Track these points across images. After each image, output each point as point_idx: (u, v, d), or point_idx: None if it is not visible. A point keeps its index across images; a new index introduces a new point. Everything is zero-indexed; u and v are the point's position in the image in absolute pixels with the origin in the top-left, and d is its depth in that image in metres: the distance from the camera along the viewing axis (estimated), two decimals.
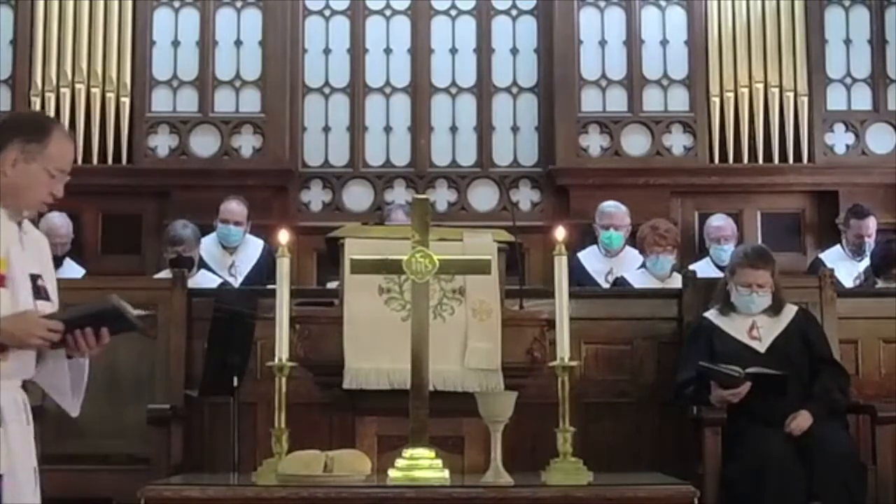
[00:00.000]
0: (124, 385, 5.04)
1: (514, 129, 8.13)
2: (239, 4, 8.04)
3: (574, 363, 3.71)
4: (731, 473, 4.60)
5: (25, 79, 7.82)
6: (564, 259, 3.76)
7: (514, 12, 8.21)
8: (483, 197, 8.06)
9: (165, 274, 5.92)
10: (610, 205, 6.93)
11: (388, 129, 8.11)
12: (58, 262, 5.26)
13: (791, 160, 7.88)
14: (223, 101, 7.97)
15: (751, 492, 4.50)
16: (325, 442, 4.26)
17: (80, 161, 7.73)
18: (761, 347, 4.85)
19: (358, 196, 8.05)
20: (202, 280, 6.28)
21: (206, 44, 7.98)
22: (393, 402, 3.85)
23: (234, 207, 6.88)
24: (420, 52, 8.14)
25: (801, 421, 4.63)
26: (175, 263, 6.00)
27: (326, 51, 8.15)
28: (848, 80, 8.04)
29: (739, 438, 4.64)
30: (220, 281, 6.41)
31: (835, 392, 4.78)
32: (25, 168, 3.23)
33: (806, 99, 7.93)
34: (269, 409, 3.92)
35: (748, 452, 4.57)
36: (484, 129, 8.11)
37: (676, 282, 5.57)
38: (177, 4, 8.01)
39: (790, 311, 4.93)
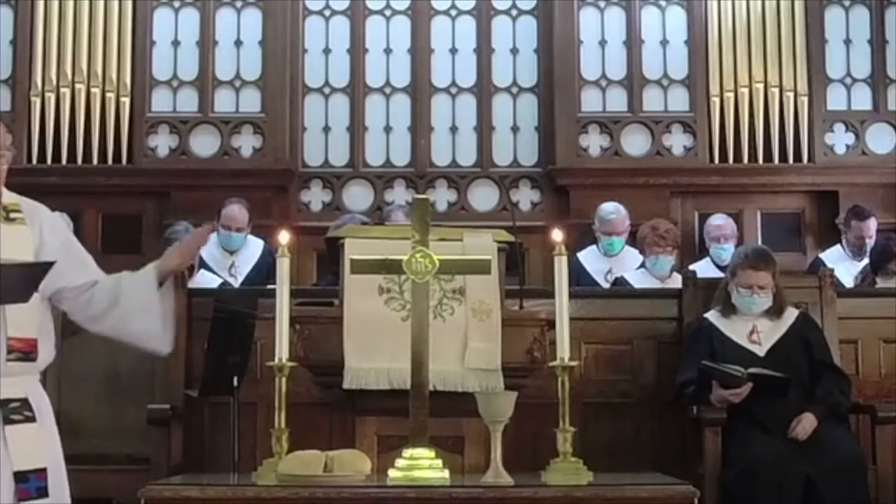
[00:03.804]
0: (124, 385, 5.04)
1: (514, 129, 8.13)
2: (239, 4, 8.04)
3: (574, 363, 3.71)
4: (726, 477, 4.60)
5: (25, 79, 7.82)
6: (564, 259, 3.76)
7: (514, 12, 8.21)
8: (483, 197, 8.06)
9: None
10: (609, 211, 6.91)
11: (388, 129, 8.11)
12: None
13: (791, 160, 7.88)
14: (223, 101, 7.97)
15: (746, 496, 4.49)
16: (325, 442, 4.25)
17: (80, 161, 7.77)
18: (761, 351, 4.84)
19: (358, 196, 8.05)
20: (202, 280, 6.28)
21: (206, 44, 7.98)
22: (393, 402, 3.85)
23: (236, 214, 6.83)
24: (420, 52, 8.14)
25: (807, 424, 4.61)
26: None
27: (326, 51, 8.15)
28: (848, 80, 8.04)
29: (735, 441, 4.63)
30: (220, 281, 6.41)
31: (837, 395, 4.77)
32: None
33: (806, 99, 7.93)
34: (269, 409, 3.92)
35: (743, 456, 4.56)
36: (484, 129, 8.12)
37: (676, 282, 5.56)
38: (177, 4, 8.01)
39: (791, 314, 4.92)
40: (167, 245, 6.31)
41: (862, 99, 8.03)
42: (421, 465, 3.57)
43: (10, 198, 3.32)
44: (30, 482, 3.15)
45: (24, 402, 3.20)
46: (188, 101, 7.95)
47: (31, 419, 3.20)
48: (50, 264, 3.18)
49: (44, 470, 3.18)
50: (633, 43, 8.03)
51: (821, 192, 7.95)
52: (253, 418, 4.94)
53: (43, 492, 3.17)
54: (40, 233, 3.31)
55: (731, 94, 7.91)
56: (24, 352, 3.19)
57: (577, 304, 4.91)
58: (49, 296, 3.32)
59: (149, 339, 3.38)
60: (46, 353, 3.27)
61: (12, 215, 3.28)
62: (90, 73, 7.83)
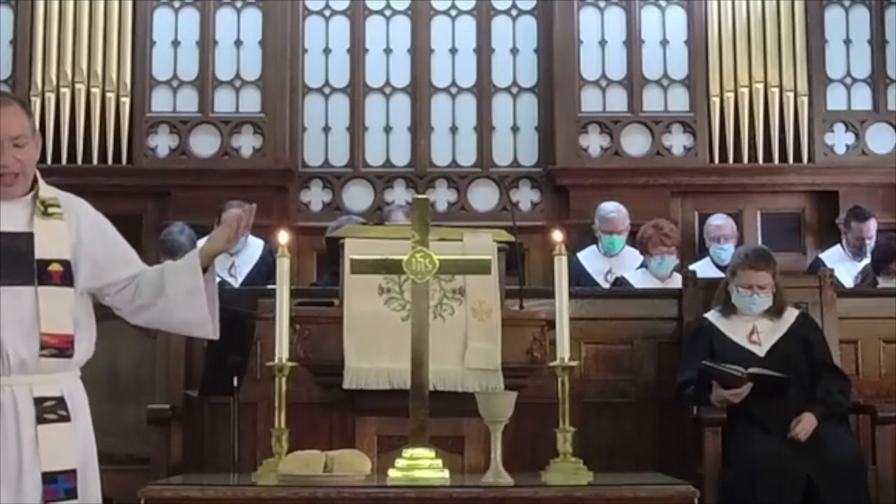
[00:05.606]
0: (124, 385, 5.04)
1: (514, 129, 8.13)
2: (239, 4, 8.04)
3: (574, 363, 3.71)
4: (726, 477, 4.60)
5: (25, 79, 7.82)
6: (564, 259, 3.76)
7: (514, 12, 8.21)
8: (483, 197, 8.06)
9: None
10: (610, 210, 6.91)
11: (388, 129, 8.12)
12: None
13: (791, 160, 7.89)
14: (223, 101, 7.97)
15: (746, 496, 4.49)
16: (325, 442, 4.26)
17: (80, 161, 7.77)
18: (761, 351, 4.84)
19: (358, 196, 8.05)
20: None
21: (206, 44, 7.98)
22: (393, 402, 3.84)
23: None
24: (420, 52, 8.14)
25: (807, 424, 4.61)
26: None
27: (326, 51, 8.15)
28: (848, 80, 8.05)
29: (735, 441, 4.63)
30: (219, 281, 6.40)
31: (837, 395, 4.77)
32: None
33: (806, 99, 7.93)
34: (269, 409, 3.92)
35: (743, 456, 4.56)
36: (484, 129, 8.12)
37: (676, 282, 5.56)
38: (177, 4, 8.01)
39: (791, 314, 4.92)
40: (164, 246, 6.35)
41: (862, 99, 8.04)
42: (421, 465, 3.57)
43: (48, 191, 3.25)
44: (58, 483, 3.09)
45: (60, 401, 3.13)
46: (188, 101, 7.96)
47: (66, 419, 3.13)
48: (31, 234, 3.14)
49: (73, 471, 3.12)
50: (633, 43, 8.03)
51: (821, 192, 7.95)
52: (253, 418, 4.93)
53: (72, 493, 3.11)
54: (77, 228, 3.23)
55: (731, 94, 7.91)
56: (60, 348, 3.12)
57: (577, 304, 4.91)
58: (92, 292, 3.29)
59: (194, 326, 3.35)
60: (84, 349, 3.22)
61: (50, 210, 3.21)
62: (90, 73, 7.83)
